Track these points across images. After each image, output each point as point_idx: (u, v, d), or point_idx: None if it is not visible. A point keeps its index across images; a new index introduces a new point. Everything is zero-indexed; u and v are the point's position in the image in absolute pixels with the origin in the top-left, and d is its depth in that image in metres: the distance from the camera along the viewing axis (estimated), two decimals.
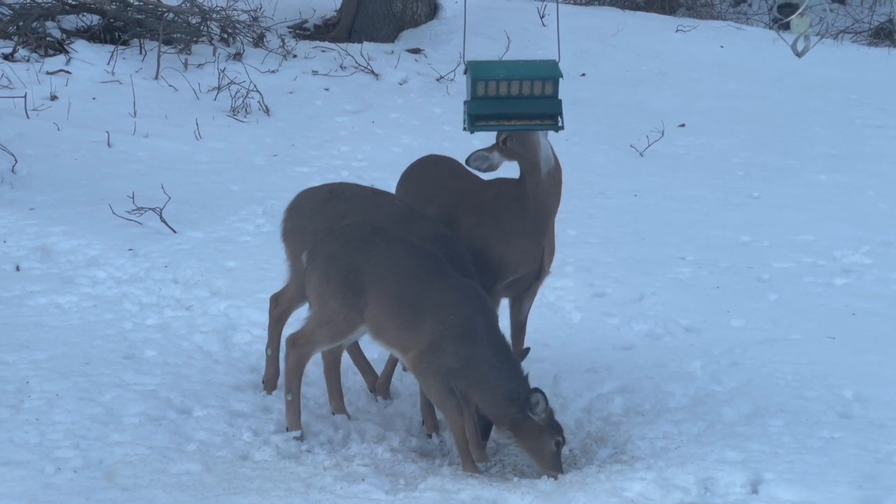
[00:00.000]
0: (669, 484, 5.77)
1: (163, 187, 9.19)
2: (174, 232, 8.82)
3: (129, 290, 7.86)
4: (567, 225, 9.31)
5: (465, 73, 6.21)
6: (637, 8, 17.18)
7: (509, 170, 6.47)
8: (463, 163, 6.49)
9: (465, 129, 6.21)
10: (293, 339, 6.14)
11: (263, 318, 6.87)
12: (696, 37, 15.20)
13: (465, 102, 6.20)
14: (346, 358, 6.62)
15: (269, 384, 6.66)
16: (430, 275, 5.97)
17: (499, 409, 5.89)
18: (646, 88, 13.40)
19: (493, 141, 6.37)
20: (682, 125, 12.19)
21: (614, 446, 6.21)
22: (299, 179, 10.06)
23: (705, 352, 7.29)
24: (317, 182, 10.08)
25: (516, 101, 6.12)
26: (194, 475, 5.81)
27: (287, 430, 6.17)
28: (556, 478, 5.83)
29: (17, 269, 8.15)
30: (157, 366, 6.89)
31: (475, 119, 6.12)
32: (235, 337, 7.31)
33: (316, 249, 6.12)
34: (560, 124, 6.14)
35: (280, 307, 6.68)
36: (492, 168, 6.41)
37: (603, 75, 13.47)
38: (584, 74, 12.78)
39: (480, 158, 6.39)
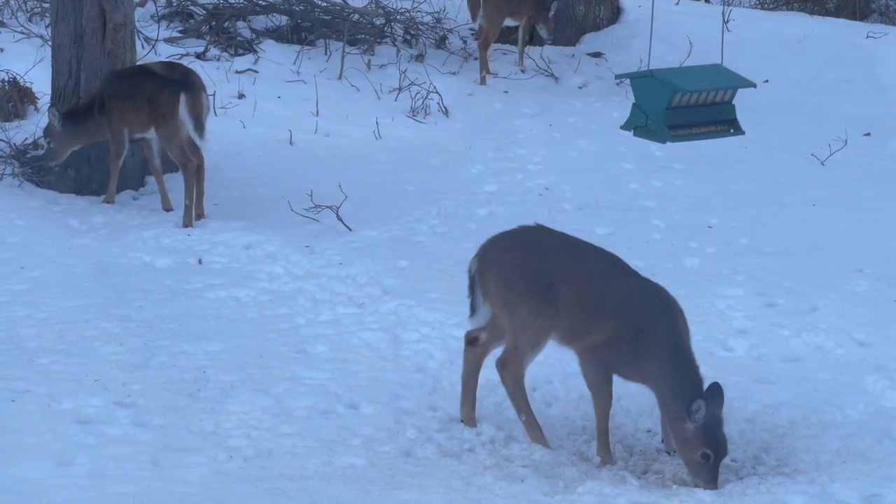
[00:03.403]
0: (832, 499, 5.69)
1: (340, 186, 9.38)
2: (349, 230, 9.00)
3: (303, 286, 8.04)
4: (740, 233, 9.20)
5: (638, 79, 6.24)
6: (827, 13, 16.81)
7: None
8: None
9: (634, 134, 6.29)
10: (502, 362, 6.21)
11: (432, 317, 6.97)
12: (887, 44, 14.78)
13: (635, 106, 6.25)
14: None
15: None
16: (611, 274, 6.05)
17: (665, 405, 5.91)
18: (831, 96, 13.09)
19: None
20: (868, 134, 11.90)
21: (777, 458, 6.14)
22: (473, 181, 10.18)
23: (878, 367, 7.14)
24: (490, 184, 10.18)
25: (700, 109, 6.20)
26: (358, 469, 5.94)
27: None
28: (703, 489, 5.80)
29: (200, 262, 8.42)
30: (326, 361, 7.05)
31: (670, 129, 6.23)
32: (404, 335, 7.41)
33: (489, 258, 6.18)
34: (741, 129, 6.22)
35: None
36: None
37: (787, 82, 13.21)
38: (767, 81, 12.56)
39: None
